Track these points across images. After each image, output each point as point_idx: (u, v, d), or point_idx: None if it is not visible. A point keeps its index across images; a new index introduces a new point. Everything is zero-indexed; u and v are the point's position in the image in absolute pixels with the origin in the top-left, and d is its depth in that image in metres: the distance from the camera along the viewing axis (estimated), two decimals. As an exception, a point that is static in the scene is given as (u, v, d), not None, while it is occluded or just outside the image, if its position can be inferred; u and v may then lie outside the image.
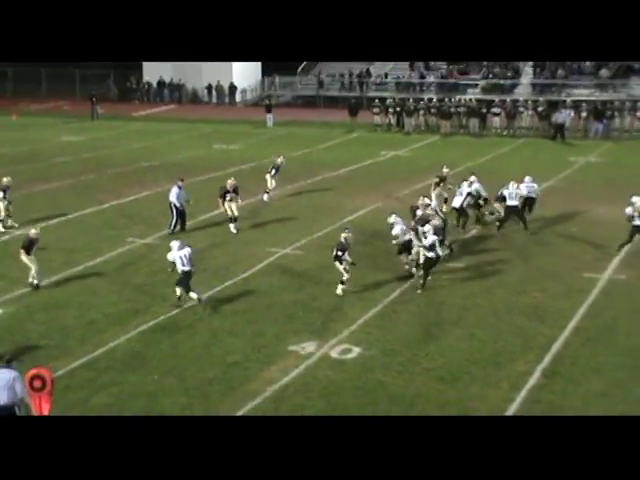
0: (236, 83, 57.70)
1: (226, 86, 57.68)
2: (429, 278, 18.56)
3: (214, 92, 58.25)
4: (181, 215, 23.36)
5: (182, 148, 38.88)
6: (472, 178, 23.65)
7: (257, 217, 25.19)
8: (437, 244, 18.60)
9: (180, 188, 23.47)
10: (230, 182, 23.86)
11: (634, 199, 20.84)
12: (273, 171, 27.19)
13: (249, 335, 16.14)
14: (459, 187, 23.48)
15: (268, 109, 47.19)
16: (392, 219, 19.49)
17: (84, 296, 18.30)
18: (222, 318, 17.01)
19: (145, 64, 59.10)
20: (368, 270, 19.41)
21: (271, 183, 27.18)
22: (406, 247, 19.26)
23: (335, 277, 18.41)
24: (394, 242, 19.30)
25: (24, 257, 18.53)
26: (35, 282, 18.54)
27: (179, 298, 17.52)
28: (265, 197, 27.19)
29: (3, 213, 23.62)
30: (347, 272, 18.17)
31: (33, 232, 18.77)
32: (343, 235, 18.35)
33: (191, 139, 42.44)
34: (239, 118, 50.39)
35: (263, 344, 15.71)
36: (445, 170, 25.45)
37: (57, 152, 37.52)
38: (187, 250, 17.50)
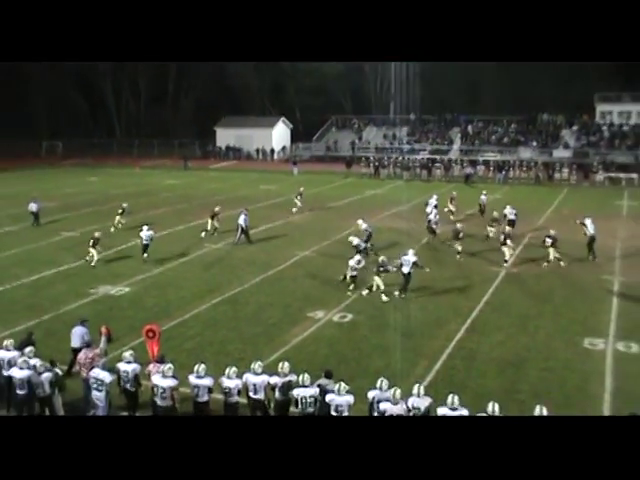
0: (274, 147, 57.96)
1: (268, 148, 57.89)
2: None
3: (260, 152, 58.45)
4: (245, 232, 22.68)
5: (241, 187, 38.78)
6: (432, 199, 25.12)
7: (286, 233, 24.64)
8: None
9: (246, 214, 22.85)
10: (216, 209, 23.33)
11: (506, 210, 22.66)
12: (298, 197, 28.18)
13: (282, 306, 15.99)
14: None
15: (294, 162, 47.33)
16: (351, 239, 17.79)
17: (178, 280, 18.21)
18: (267, 295, 16.78)
19: (218, 134, 59.25)
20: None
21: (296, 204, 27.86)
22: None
23: (339, 272, 18.15)
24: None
25: (91, 249, 18.98)
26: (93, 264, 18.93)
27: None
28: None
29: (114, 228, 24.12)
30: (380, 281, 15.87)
31: (97, 234, 19.38)
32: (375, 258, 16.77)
33: (246, 182, 42.31)
34: (276, 169, 50.35)
35: (291, 312, 15.57)
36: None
37: (163, 190, 37.56)
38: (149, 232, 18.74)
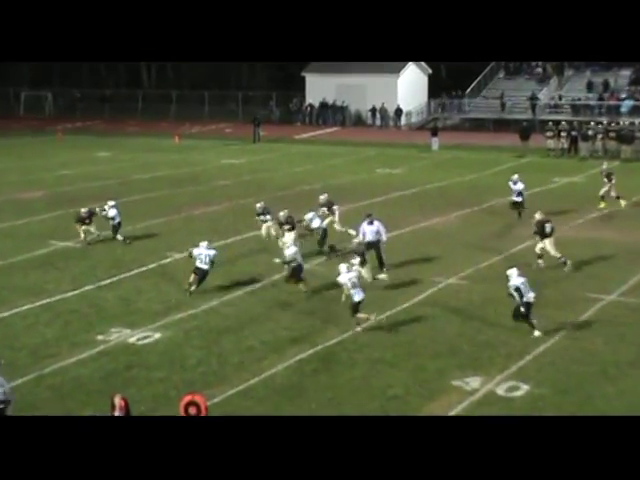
0: (401, 106, 57.93)
1: (391, 109, 58.01)
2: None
3: (378, 115, 58.72)
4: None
5: (344, 172, 39.36)
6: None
7: (421, 244, 25.06)
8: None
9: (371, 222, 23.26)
10: (322, 197, 25.42)
11: None
12: None
13: (410, 368, 16.02)
14: None
15: (434, 132, 47.15)
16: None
17: (241, 322, 18.71)
18: (383, 349, 16.97)
19: (308, 85, 60.38)
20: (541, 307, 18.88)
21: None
22: None
23: (503, 310, 18.04)
24: None
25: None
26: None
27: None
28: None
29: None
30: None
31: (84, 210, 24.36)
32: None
33: (353, 163, 42.90)
34: (403, 141, 50.54)
35: (425, 378, 15.55)
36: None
37: (217, 175, 38.85)
38: (212, 252, 20.18)
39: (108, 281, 21.44)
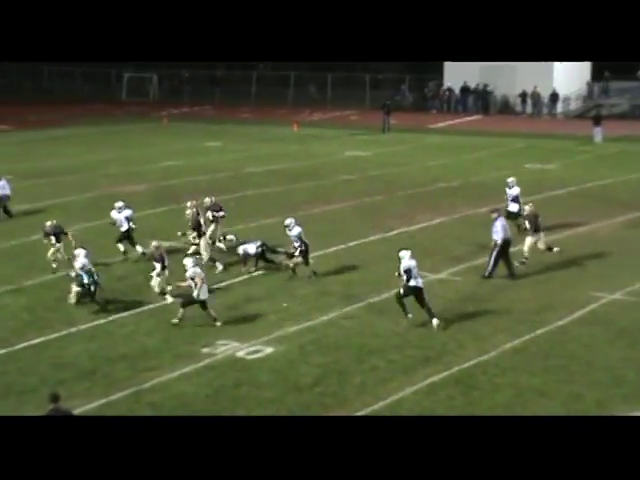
0: (557, 90, 56.96)
1: (545, 94, 57.11)
2: None
3: (529, 100, 57.91)
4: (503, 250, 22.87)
5: (487, 167, 39.02)
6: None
7: (579, 253, 24.56)
8: None
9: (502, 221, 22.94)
10: (208, 200, 24.92)
11: None
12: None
13: (563, 398, 15.71)
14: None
15: (597, 121, 46.23)
16: None
17: (364, 338, 18.70)
18: (530, 374, 16.71)
19: (447, 67, 60.11)
20: None
21: None
22: None
23: None
24: None
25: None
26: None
27: None
28: None
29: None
30: None
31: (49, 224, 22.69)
32: None
33: (498, 156, 42.49)
34: (559, 132, 49.71)
35: (581, 409, 15.21)
36: None
37: (340, 169, 39.09)
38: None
39: (214, 286, 21.78)
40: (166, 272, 20.93)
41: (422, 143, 47.44)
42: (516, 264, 22.82)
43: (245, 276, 22.51)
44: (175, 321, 19.21)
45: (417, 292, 19.05)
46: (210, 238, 23.91)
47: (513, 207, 26.15)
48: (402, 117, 54.52)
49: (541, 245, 23.21)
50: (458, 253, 24.31)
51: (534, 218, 23.06)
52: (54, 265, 22.41)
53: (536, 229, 23.02)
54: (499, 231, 22.02)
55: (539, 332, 18.76)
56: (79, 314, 19.81)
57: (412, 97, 63.12)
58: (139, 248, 23.84)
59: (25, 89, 71.48)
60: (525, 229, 23.24)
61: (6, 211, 29.09)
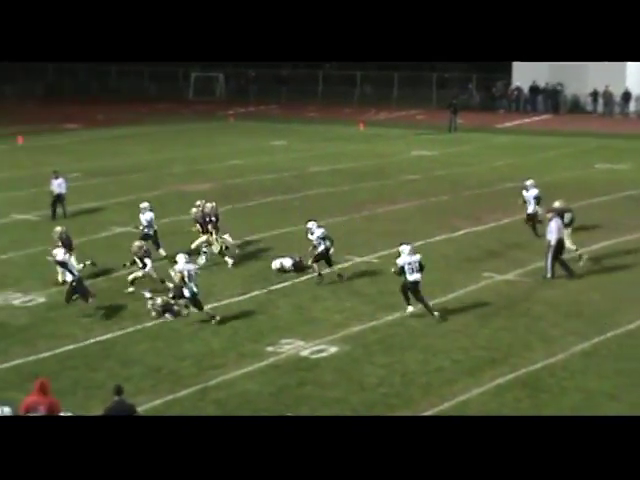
0: (630, 89, 56.20)
1: (617, 93, 56.39)
2: None
3: (600, 100, 57.22)
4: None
5: (556, 167, 38.64)
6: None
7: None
8: None
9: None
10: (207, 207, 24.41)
11: None
12: None
13: (634, 401, 15.48)
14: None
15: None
16: None
17: (430, 338, 18.70)
18: (601, 378, 16.54)
19: (515, 66, 59.61)
20: None
21: None
22: None
23: None
24: None
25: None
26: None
27: None
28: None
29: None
30: None
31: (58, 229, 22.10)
32: None
33: (567, 156, 42.09)
34: (632, 132, 49.04)
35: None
36: None
37: (406, 168, 39.00)
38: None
39: (280, 286, 21.90)
40: (147, 270, 21.38)
41: (489, 143, 47.13)
42: (580, 264, 22.78)
43: (310, 275, 22.56)
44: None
45: (415, 286, 19.50)
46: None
47: (531, 209, 25.93)
48: (469, 116, 54.22)
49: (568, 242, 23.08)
50: (526, 254, 24.08)
51: (559, 214, 22.90)
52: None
53: (565, 224, 22.96)
54: (553, 231, 22.01)
55: (609, 335, 18.56)
56: (145, 312, 20.05)
57: (479, 96, 62.72)
58: (162, 251, 23.93)
59: (93, 88, 72.42)
60: (565, 225, 22.94)
61: (55, 210, 29.15)
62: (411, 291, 19.59)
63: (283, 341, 18.52)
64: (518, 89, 60.10)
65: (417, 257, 19.66)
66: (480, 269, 23.24)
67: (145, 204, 24.57)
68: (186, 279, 19.25)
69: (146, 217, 24.17)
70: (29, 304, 20.91)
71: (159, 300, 19.80)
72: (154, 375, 16.78)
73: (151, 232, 24.11)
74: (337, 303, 20.76)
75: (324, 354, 17.93)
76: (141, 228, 24.14)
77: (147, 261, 21.36)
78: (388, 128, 53.02)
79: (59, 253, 20.20)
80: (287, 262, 23.02)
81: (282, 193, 33.02)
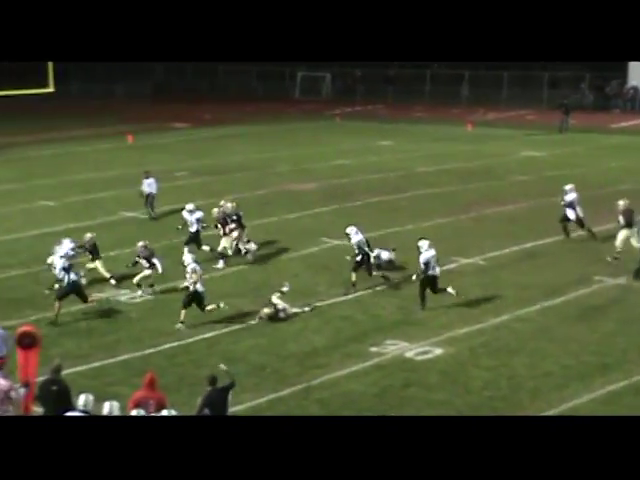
0: None
1: None
2: None
3: None
4: None
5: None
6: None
7: None
8: None
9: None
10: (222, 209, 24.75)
11: None
12: None
13: None
14: None
15: None
16: None
17: (538, 341, 18.53)
18: None
19: (631, 65, 58.49)
20: None
21: None
22: None
23: None
24: None
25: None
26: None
27: None
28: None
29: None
30: None
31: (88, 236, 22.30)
32: None
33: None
34: None
35: None
36: None
37: (515, 169, 38.62)
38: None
39: (385, 286, 21.86)
40: (153, 270, 21.50)
41: (602, 143, 46.30)
42: (608, 259, 22.95)
43: (411, 274, 22.45)
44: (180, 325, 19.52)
45: (434, 281, 19.92)
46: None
47: (570, 213, 25.85)
48: (581, 117, 53.34)
49: (635, 242, 23.10)
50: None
51: (629, 213, 23.42)
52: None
53: (629, 224, 23.12)
54: None
55: None
56: (248, 310, 20.25)
57: (592, 96, 61.64)
58: (205, 247, 24.25)
59: (201, 88, 73.47)
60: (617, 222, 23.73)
61: (152, 209, 29.67)
62: (430, 286, 19.89)
63: (387, 342, 18.53)
64: (634, 89, 58.95)
65: (433, 252, 19.92)
66: (591, 272, 22.85)
67: (191, 205, 25.03)
68: (195, 279, 19.42)
69: (196, 216, 24.54)
70: (135, 300, 21.33)
71: (265, 310, 19.89)
72: (258, 373, 16.94)
73: (196, 230, 24.41)
74: (442, 305, 20.63)
75: (429, 356, 17.91)
76: (190, 226, 24.46)
77: (155, 260, 21.57)
78: (497, 128, 52.51)
79: (56, 260, 20.49)
80: (385, 255, 23.05)
81: (388, 193, 32.95)
